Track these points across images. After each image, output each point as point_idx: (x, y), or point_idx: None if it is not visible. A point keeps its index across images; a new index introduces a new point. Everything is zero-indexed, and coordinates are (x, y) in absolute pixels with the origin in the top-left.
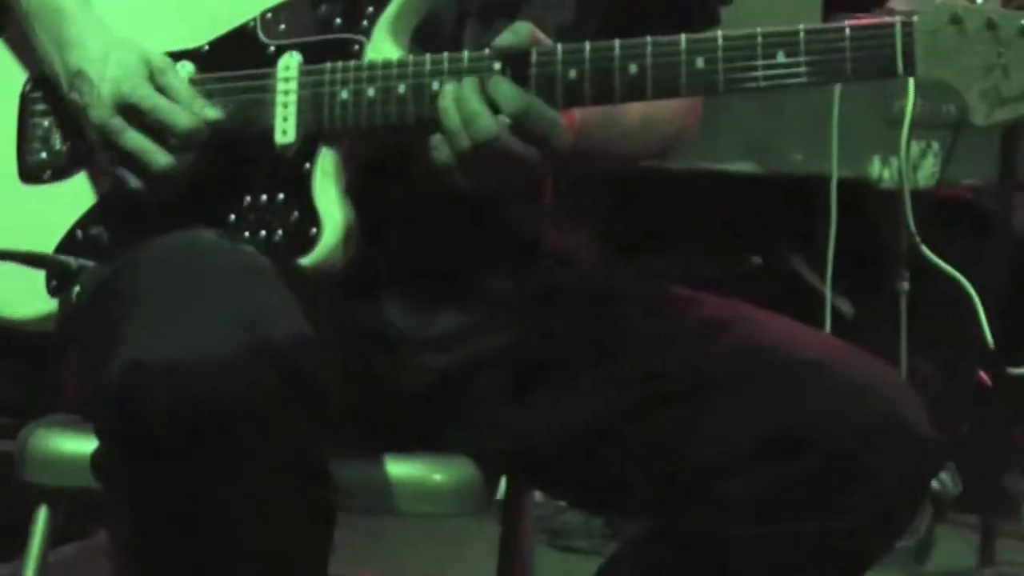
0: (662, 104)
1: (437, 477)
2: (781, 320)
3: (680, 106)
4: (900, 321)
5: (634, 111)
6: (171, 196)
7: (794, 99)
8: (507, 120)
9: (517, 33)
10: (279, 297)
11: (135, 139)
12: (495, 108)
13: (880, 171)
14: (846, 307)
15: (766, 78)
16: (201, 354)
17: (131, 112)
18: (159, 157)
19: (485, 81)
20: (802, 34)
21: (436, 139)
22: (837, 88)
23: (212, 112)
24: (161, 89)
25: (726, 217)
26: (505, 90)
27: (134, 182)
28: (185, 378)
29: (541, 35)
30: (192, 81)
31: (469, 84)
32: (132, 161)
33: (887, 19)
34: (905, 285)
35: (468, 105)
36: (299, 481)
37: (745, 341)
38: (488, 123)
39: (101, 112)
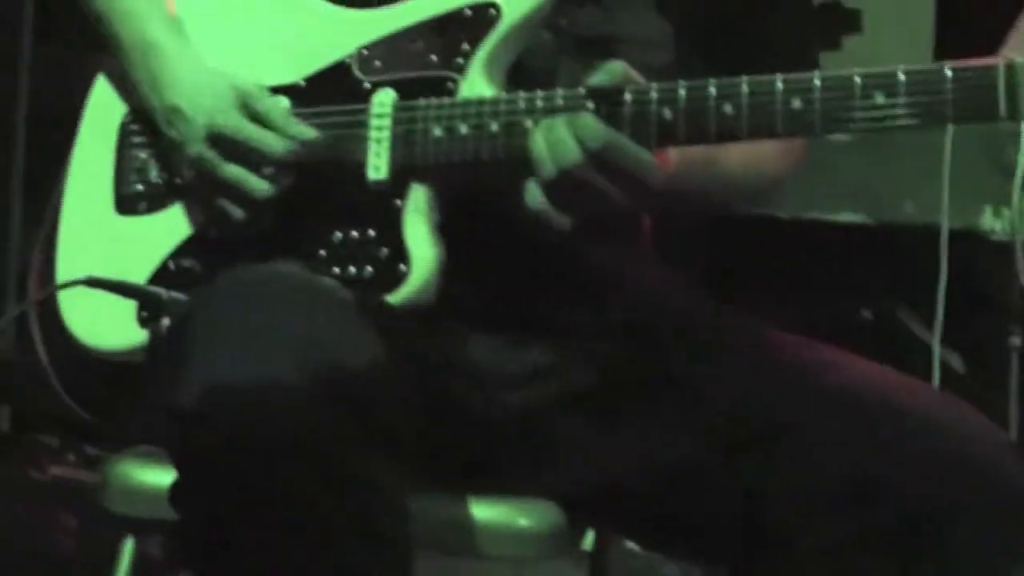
0: (761, 147)
1: (522, 521)
2: (881, 368)
3: (780, 149)
4: (1011, 378)
5: (734, 154)
6: (271, 224)
7: (903, 148)
8: (592, 151)
9: (610, 73)
10: (357, 332)
11: (232, 170)
12: (581, 143)
13: (992, 222)
14: (956, 362)
15: (864, 119)
16: (272, 385)
17: (225, 142)
18: (258, 185)
19: (573, 117)
20: (902, 75)
21: (530, 185)
22: (948, 136)
23: (309, 132)
24: (254, 116)
25: (833, 268)
26: (589, 124)
27: (236, 213)
28: (255, 409)
29: (635, 74)
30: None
31: (559, 120)
32: (231, 191)
33: (990, 60)
34: (1017, 341)
35: (555, 133)
36: (370, 515)
37: (841, 387)
38: (572, 150)
39: (196, 146)
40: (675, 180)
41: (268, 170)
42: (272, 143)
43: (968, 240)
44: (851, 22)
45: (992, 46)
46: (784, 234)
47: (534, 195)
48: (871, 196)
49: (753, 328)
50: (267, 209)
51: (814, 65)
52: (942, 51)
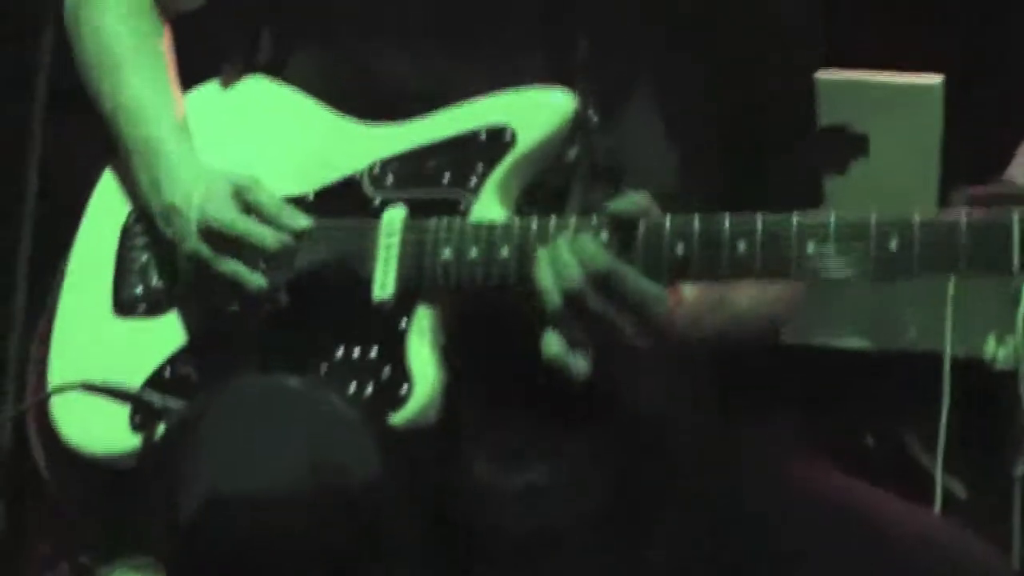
0: (773, 288)
1: None
2: (885, 494)
3: (785, 287)
4: (1014, 506)
5: (744, 296)
6: (273, 334)
7: None
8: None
9: (632, 201)
10: (359, 449)
11: (227, 264)
12: (582, 265)
13: (995, 350)
14: (959, 490)
15: (877, 269)
16: (273, 500)
17: (219, 238)
18: (253, 279)
19: (574, 238)
20: (916, 224)
21: (546, 335)
22: None
23: (302, 222)
24: (248, 208)
25: (837, 393)
26: (589, 246)
27: (233, 309)
28: (255, 523)
29: (656, 209)
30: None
31: (562, 240)
32: (227, 287)
33: (1004, 212)
34: (1020, 469)
35: (557, 255)
36: None
37: (845, 511)
38: (573, 271)
39: (191, 242)
40: (688, 327)
41: (264, 263)
42: (265, 236)
43: (972, 367)
44: (858, 146)
45: (997, 169)
46: (788, 359)
47: (551, 344)
48: (875, 322)
49: (761, 449)
50: (264, 306)
51: (820, 193)
52: (948, 175)
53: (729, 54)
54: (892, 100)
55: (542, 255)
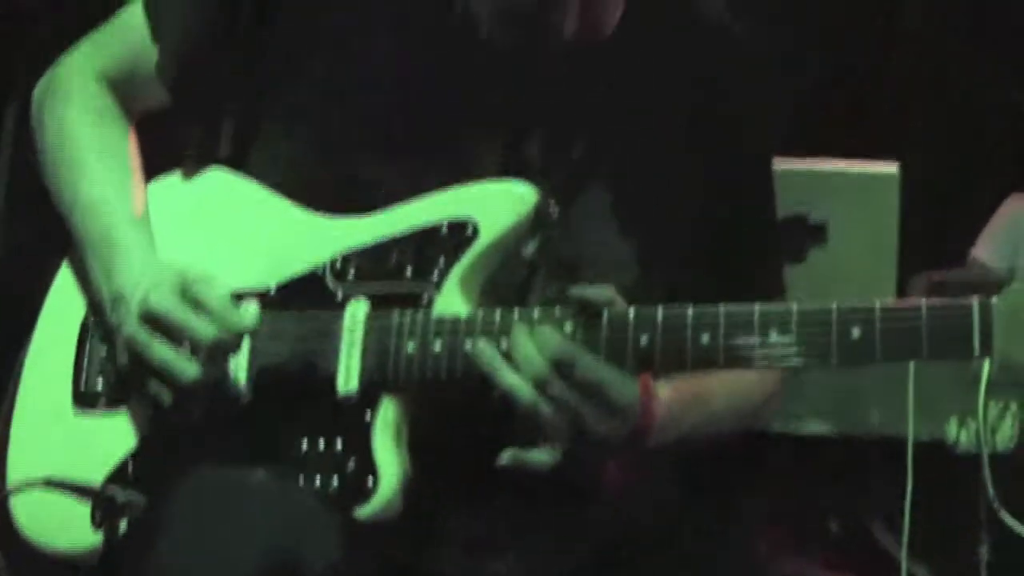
0: (746, 381)
1: None
2: None
3: (764, 378)
4: None
5: (721, 392)
6: (202, 419)
7: None
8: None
9: (597, 291)
10: (322, 543)
11: (161, 351)
12: (543, 353)
13: (957, 433)
14: (923, 573)
15: (840, 356)
16: None
17: (157, 324)
18: (186, 368)
19: (533, 329)
20: (878, 311)
21: (505, 453)
22: None
23: (248, 322)
24: (193, 301)
25: (800, 479)
26: (548, 335)
27: (165, 397)
28: None
29: (620, 301)
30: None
31: (519, 329)
32: (161, 375)
33: (964, 299)
34: (985, 552)
35: (518, 350)
36: None
37: None
38: (535, 360)
39: (129, 326)
40: (666, 421)
41: (201, 353)
42: (200, 328)
43: (935, 451)
44: (816, 235)
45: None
46: (752, 445)
47: (510, 456)
48: (838, 408)
49: (730, 543)
50: (197, 397)
51: (780, 282)
52: (907, 263)
53: (685, 147)
54: (850, 188)
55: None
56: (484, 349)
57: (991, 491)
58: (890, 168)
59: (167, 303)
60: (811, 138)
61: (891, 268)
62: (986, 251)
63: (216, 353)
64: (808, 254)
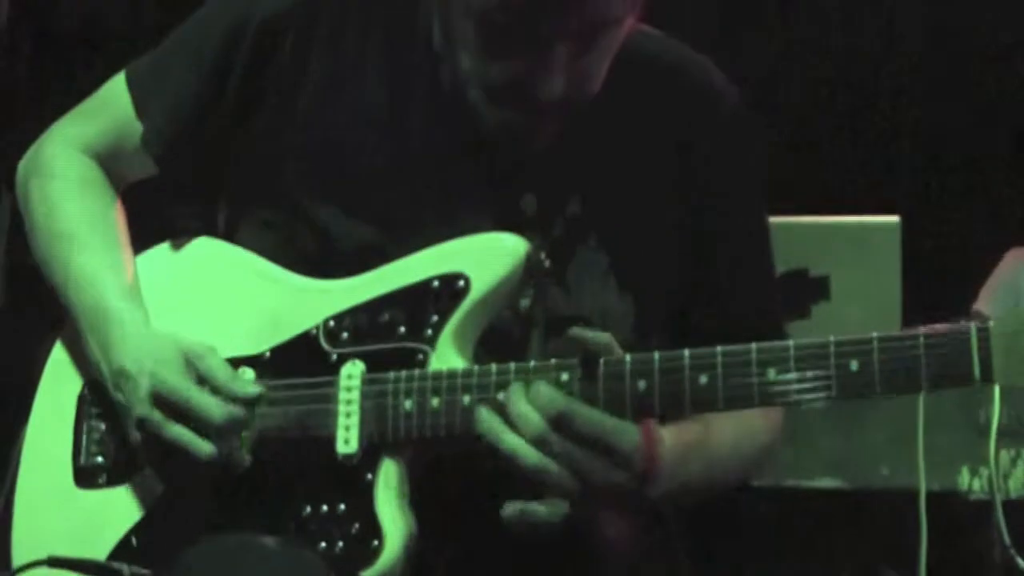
0: (747, 425)
1: None
2: None
3: (764, 422)
4: None
5: (724, 437)
6: (234, 484)
7: (878, 413)
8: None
9: (596, 340)
10: None
11: (176, 431)
12: (540, 411)
13: (969, 482)
14: None
15: (839, 388)
16: None
17: (168, 404)
18: (202, 447)
19: (527, 388)
20: (875, 342)
21: (505, 507)
22: (921, 399)
23: (252, 391)
24: (198, 375)
25: (813, 533)
26: (543, 391)
27: (183, 475)
28: None
29: (617, 349)
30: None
31: (515, 388)
32: (177, 454)
33: (961, 325)
34: None
35: (513, 408)
36: None
37: None
38: (533, 420)
39: (141, 408)
40: (670, 467)
41: (213, 430)
42: (211, 408)
43: (947, 501)
44: (819, 289)
45: (959, 306)
46: (763, 501)
47: (513, 510)
48: (848, 462)
49: None
50: (215, 472)
51: (781, 332)
52: (909, 315)
53: (675, 202)
54: (851, 240)
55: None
56: (482, 413)
57: (1006, 537)
58: (890, 219)
59: (174, 382)
60: (810, 195)
61: (894, 321)
62: (988, 305)
63: (228, 429)
64: (812, 309)
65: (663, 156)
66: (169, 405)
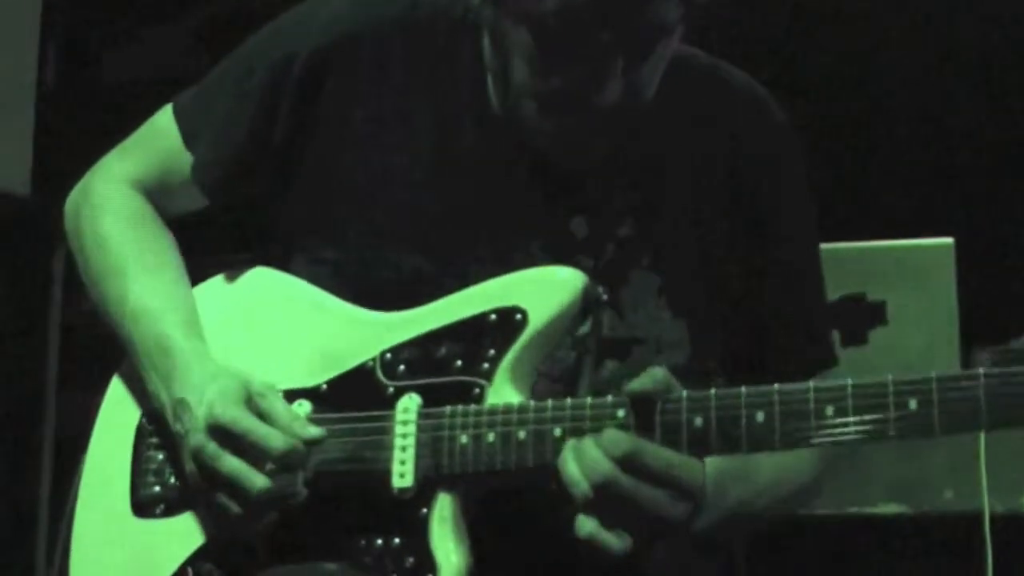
0: (792, 457)
1: None
2: None
3: (810, 456)
4: None
5: (766, 467)
6: (271, 528)
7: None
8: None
9: (652, 377)
10: None
11: (231, 463)
12: (609, 455)
13: None
14: None
15: (898, 430)
16: None
17: (226, 435)
18: (256, 480)
19: (599, 436)
20: (934, 381)
21: (579, 518)
22: None
23: (315, 434)
24: (259, 413)
25: (878, 561)
26: (614, 437)
27: (234, 509)
28: None
29: (675, 383)
30: (309, 420)
31: (587, 441)
32: (230, 487)
33: (1021, 368)
34: None
35: (585, 454)
36: None
37: None
38: (602, 463)
39: (197, 437)
40: (713, 494)
41: (270, 465)
42: (272, 440)
43: (1011, 523)
44: (876, 314)
45: (1018, 325)
46: (826, 528)
47: (584, 525)
48: (910, 487)
49: None
50: (267, 508)
51: (832, 353)
52: (967, 339)
53: (726, 222)
54: (906, 263)
55: (566, 451)
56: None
57: None
58: (944, 240)
59: (234, 413)
60: (860, 220)
61: (952, 342)
62: None
63: (285, 465)
64: (869, 335)
65: (714, 173)
66: (227, 436)
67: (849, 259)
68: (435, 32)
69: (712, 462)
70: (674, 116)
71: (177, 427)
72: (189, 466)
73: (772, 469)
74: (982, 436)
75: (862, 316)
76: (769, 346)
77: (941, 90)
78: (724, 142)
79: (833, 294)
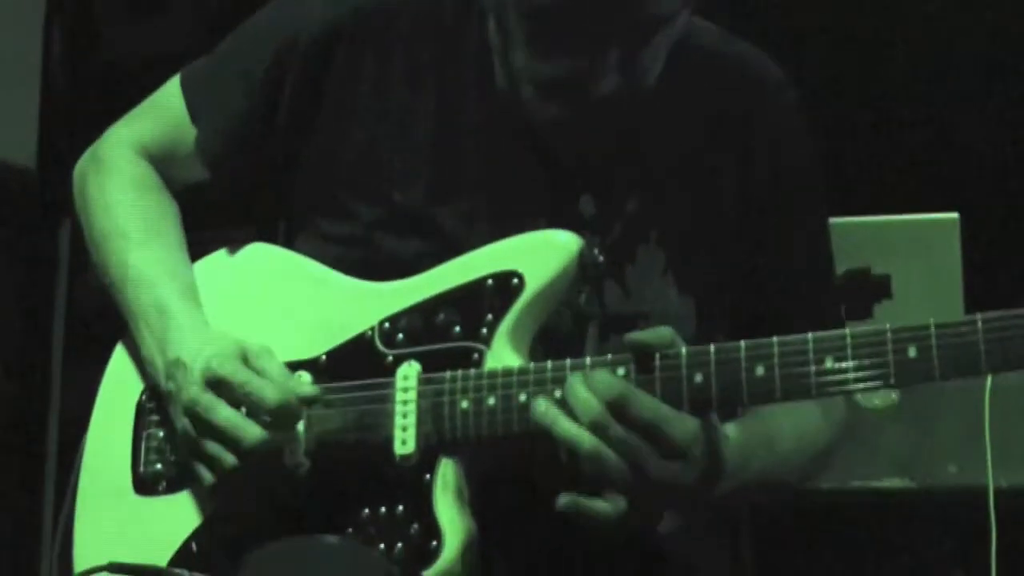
0: (809, 425)
1: None
2: None
3: (825, 423)
4: None
5: (788, 434)
6: (262, 492)
7: (944, 410)
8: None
9: (656, 333)
10: None
11: (226, 412)
12: (598, 395)
13: None
14: None
15: (898, 377)
16: None
17: (222, 387)
18: (251, 430)
19: (588, 374)
20: (933, 327)
21: (561, 498)
22: (987, 395)
23: (308, 390)
24: (255, 370)
25: (882, 535)
26: (600, 378)
27: (228, 460)
28: None
29: (680, 340)
30: None
31: (574, 375)
32: (224, 438)
33: (1018, 311)
34: None
35: (572, 392)
36: None
37: None
38: (591, 403)
39: (192, 390)
40: (736, 463)
41: (265, 417)
42: (267, 390)
43: (1016, 498)
44: (880, 288)
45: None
46: (829, 502)
47: (568, 501)
48: (914, 461)
49: None
50: (258, 464)
51: (842, 324)
52: (971, 311)
53: (733, 196)
54: (911, 237)
55: (557, 395)
56: (539, 402)
57: None
58: (949, 215)
59: (232, 366)
60: (868, 196)
61: (957, 316)
62: None
63: (279, 419)
64: (874, 309)
65: (721, 149)
66: (223, 389)
67: (854, 233)
68: (442, 10)
69: (734, 431)
70: (679, 98)
71: (169, 385)
72: (180, 423)
73: (792, 440)
74: (987, 410)
75: (867, 290)
76: (777, 322)
77: (947, 63)
78: (733, 121)
79: (838, 268)
